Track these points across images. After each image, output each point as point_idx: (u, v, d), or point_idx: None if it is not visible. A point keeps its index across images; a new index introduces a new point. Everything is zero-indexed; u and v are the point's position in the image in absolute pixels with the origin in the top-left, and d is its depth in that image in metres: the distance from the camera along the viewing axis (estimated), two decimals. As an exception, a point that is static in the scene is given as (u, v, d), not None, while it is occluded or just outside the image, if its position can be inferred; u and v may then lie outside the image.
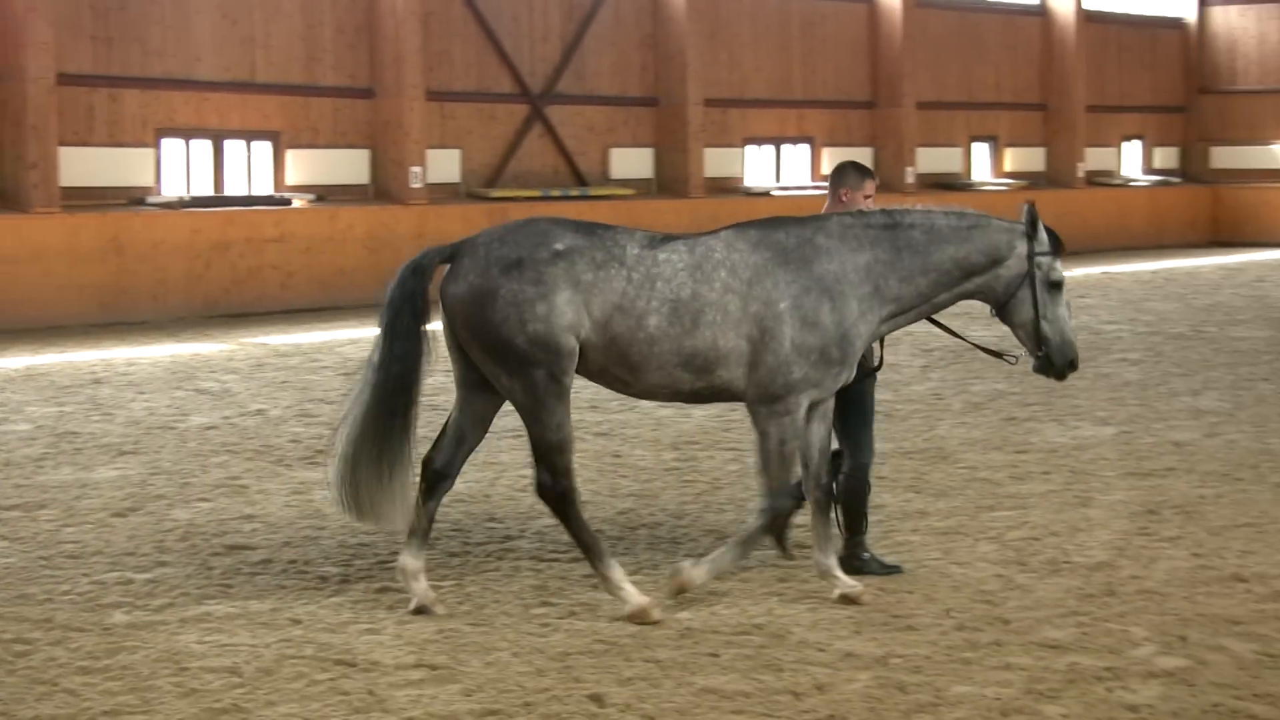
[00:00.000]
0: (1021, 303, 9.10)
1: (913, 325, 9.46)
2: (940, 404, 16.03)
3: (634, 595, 8.64)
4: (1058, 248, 9.19)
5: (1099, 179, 40.33)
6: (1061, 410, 15.53)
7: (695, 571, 8.84)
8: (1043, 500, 11.59)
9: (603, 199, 30.28)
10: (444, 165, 28.77)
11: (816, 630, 8.43)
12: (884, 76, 35.55)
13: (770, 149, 34.21)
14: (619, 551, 10.07)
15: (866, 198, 9.71)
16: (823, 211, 9.44)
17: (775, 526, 9.18)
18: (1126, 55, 42.27)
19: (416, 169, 27.79)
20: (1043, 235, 9.12)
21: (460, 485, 12.19)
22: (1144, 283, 30.52)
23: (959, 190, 36.47)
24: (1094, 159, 40.54)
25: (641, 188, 31.54)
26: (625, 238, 8.78)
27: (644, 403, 16.04)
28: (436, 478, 9.03)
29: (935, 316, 9.39)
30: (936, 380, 17.61)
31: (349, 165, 28.00)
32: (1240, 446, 13.59)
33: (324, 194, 27.27)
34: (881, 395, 15.98)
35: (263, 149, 27.15)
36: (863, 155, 35.29)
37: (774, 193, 33.11)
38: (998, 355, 9.67)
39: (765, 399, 8.74)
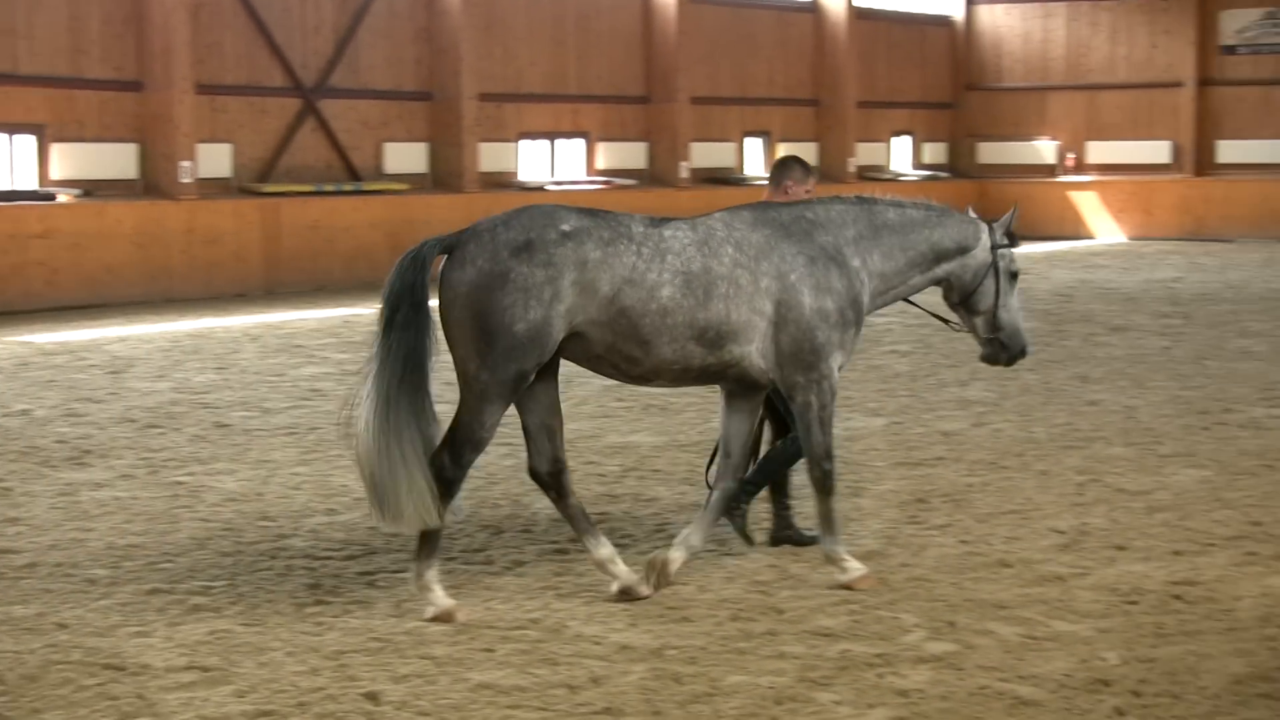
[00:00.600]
0: (986, 291, 9.54)
1: None
2: (715, 396, 16.09)
3: (440, 598, 8.57)
4: (1014, 241, 9.66)
5: (870, 173, 40.94)
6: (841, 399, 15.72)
7: (845, 563, 9.07)
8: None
9: (376, 194, 30.06)
10: (215, 160, 28.32)
11: (592, 624, 8.46)
12: (658, 71, 35.75)
13: (545, 144, 34.22)
14: (393, 548, 10.01)
15: (807, 192, 10.02)
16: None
17: (827, 488, 9.21)
18: (896, 52, 43.03)
19: (186, 163, 27.32)
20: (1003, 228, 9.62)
21: (232, 484, 12.05)
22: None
23: (732, 185, 36.82)
24: (865, 154, 41.20)
25: (416, 182, 31.36)
26: (627, 218, 8.85)
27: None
28: (553, 479, 8.97)
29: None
30: (711, 373, 17.73)
31: (117, 159, 27.42)
32: (1006, 435, 13.90)
33: (91, 189, 26.67)
34: (656, 389, 16.11)
35: (26, 143, 26.48)
36: (637, 150, 35.49)
37: (549, 187, 33.12)
38: (946, 321, 10.01)
39: (800, 368, 8.97)
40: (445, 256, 8.67)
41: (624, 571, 8.92)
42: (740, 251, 8.88)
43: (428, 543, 8.63)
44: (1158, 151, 42.42)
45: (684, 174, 35.63)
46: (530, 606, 8.77)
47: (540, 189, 32.83)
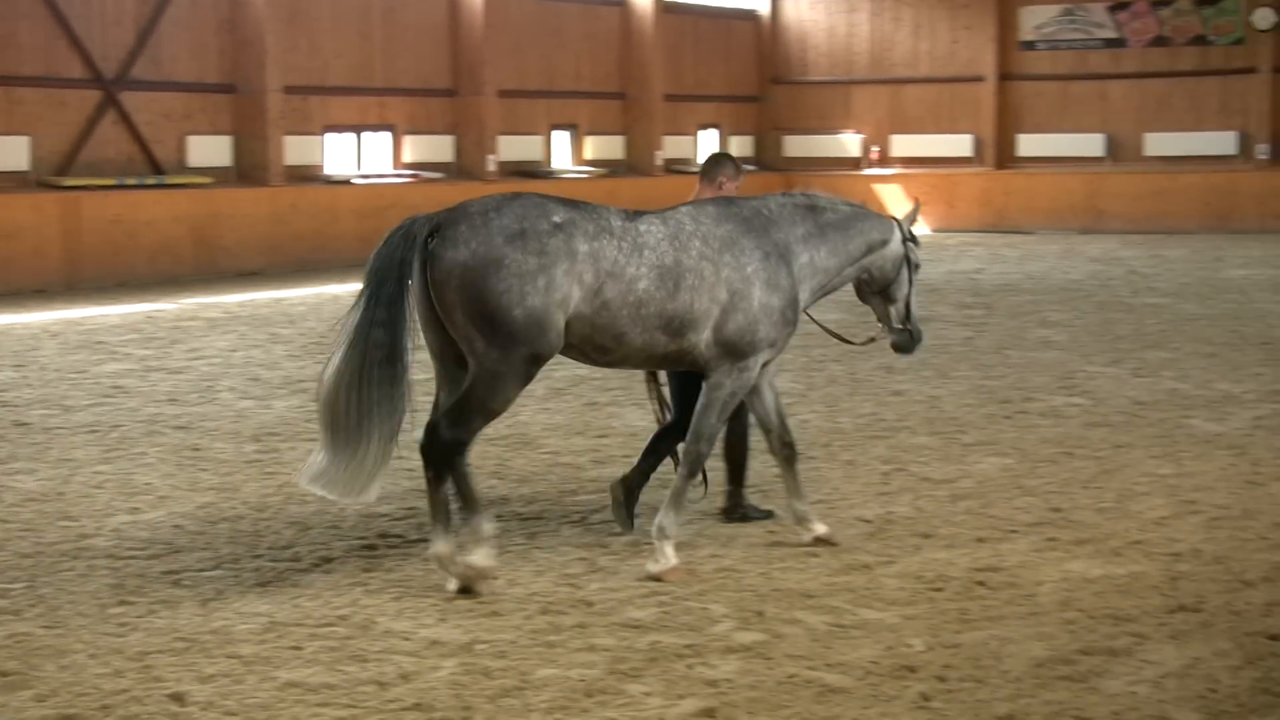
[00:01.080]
0: (902, 281, 10.31)
1: None
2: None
3: (487, 557, 8.86)
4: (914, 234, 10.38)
5: (677, 167, 41.13)
6: (641, 395, 15.80)
7: (664, 550, 9.21)
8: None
9: (179, 188, 29.58)
10: (11, 153, 27.69)
11: (401, 619, 8.42)
12: (465, 65, 35.62)
13: (351, 137, 33.93)
14: (198, 546, 9.88)
15: (736, 188, 10.57)
16: (696, 198, 10.27)
17: (696, 469, 9.51)
18: (703, 46, 43.25)
19: (-18, 156, 26.71)
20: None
21: (32, 483, 11.80)
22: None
23: (540, 178, 36.79)
24: (672, 147, 41.36)
25: (220, 176, 30.90)
26: (606, 211, 9.15)
27: (225, 395, 15.78)
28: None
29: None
30: (521, 367, 17.70)
31: (-92, 152, 26.74)
32: (813, 426, 14.05)
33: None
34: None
35: None
36: (444, 143, 35.32)
37: (355, 181, 32.86)
38: (848, 340, 10.88)
39: (732, 354, 9.34)
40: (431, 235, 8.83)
41: (461, 569, 8.88)
42: (706, 244, 9.29)
43: (443, 518, 8.89)
44: (960, 145, 43.12)
45: (491, 167, 35.53)
46: (338, 603, 8.70)
47: (346, 183, 32.57)
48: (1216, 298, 24.28)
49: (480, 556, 8.88)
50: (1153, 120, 41.39)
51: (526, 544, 10.00)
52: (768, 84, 45.02)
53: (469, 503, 9.02)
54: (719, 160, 10.78)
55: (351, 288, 24.69)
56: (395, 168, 34.43)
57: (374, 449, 8.74)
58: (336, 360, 8.78)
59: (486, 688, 7.35)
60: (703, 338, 9.27)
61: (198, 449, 13.23)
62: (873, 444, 13.22)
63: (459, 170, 35.43)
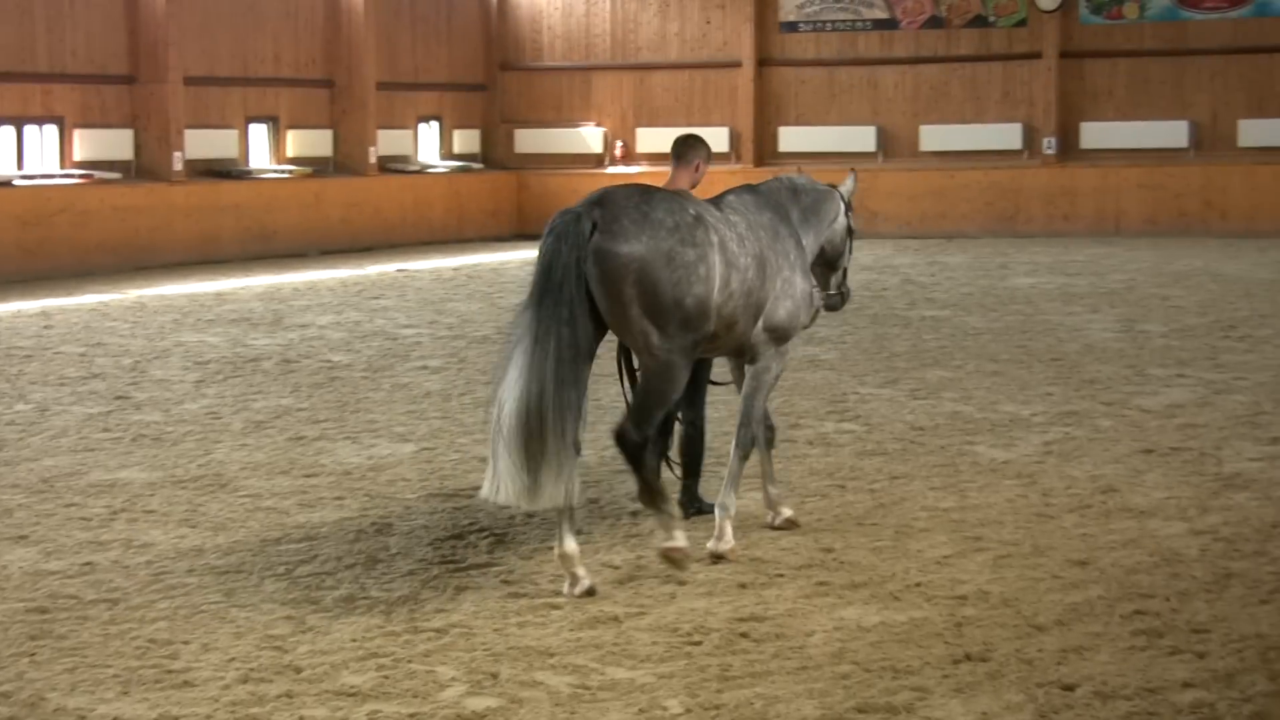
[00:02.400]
0: (845, 249, 12.02)
1: (192, 336, 9.76)
2: (218, 424, 15.97)
3: (681, 538, 10.25)
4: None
5: (393, 165, 40.92)
6: (355, 426, 15.74)
7: (725, 532, 10.82)
8: (336, 529, 11.72)
9: None
10: None
11: (78, 694, 8.26)
12: (145, 47, 35.06)
13: (9, 131, 33.19)
14: None
15: (707, 171, 11.80)
16: (673, 184, 11.39)
17: (750, 449, 11.25)
18: (422, 26, 42.96)
19: None
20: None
21: None
22: (445, 281, 31.23)
23: (236, 178, 36.43)
24: (387, 143, 41.03)
25: None
26: (700, 202, 10.53)
27: None
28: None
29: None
30: (213, 397, 17.53)
31: None
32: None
33: None
34: (149, 417, 15.88)
35: None
36: (122, 139, 34.72)
37: (16, 183, 32.13)
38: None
39: (778, 339, 10.97)
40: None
41: (584, 572, 10.08)
42: (765, 233, 10.87)
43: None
44: (715, 138, 43.38)
45: (178, 165, 35.03)
46: (1, 677, 8.51)
47: (8, 184, 31.85)
48: (1001, 309, 24.88)
49: (679, 539, 10.28)
50: (928, 111, 42.22)
51: (223, 602, 9.89)
52: (496, 70, 44.90)
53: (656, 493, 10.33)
54: (693, 143, 11.79)
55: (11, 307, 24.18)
56: (64, 167, 33.77)
57: (567, 449, 9.74)
58: (520, 363, 9.71)
59: (177, 770, 7.25)
60: (760, 323, 10.80)
61: None
62: (620, 480, 13.29)
63: (139, 170, 34.88)
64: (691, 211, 10.16)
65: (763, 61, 43.37)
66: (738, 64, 43.38)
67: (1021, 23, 41.73)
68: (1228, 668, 8.52)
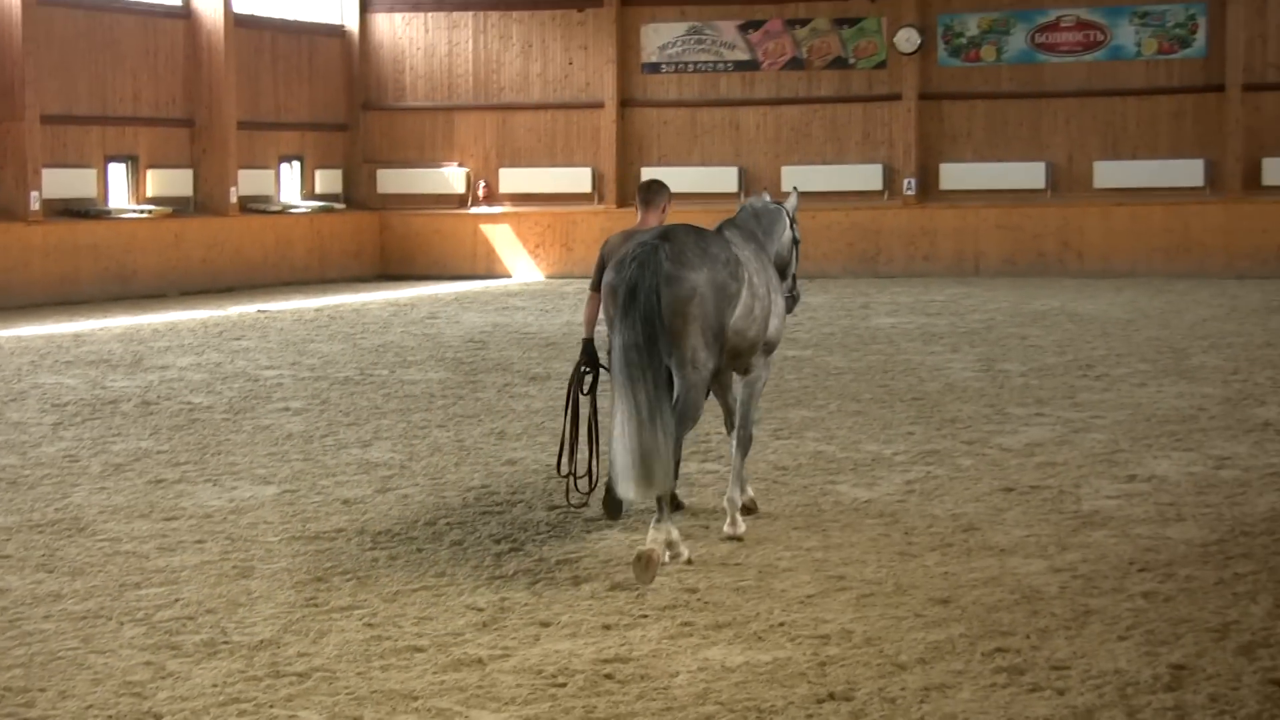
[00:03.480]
0: (792, 260, 13.51)
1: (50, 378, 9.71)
2: (76, 467, 15.78)
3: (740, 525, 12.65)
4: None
5: (254, 205, 40.69)
6: (217, 469, 15.61)
7: (737, 520, 12.63)
8: (197, 573, 11.60)
9: None
10: None
11: (-70, 742, 8.12)
12: (1, 86, 34.70)
13: None
14: None
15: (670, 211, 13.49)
16: (643, 224, 13.08)
17: (749, 446, 13.08)
18: (283, 65, 42.78)
19: None
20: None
21: None
22: (307, 322, 31.06)
23: (94, 218, 36.10)
24: (249, 182, 40.79)
25: None
26: (728, 242, 12.29)
27: None
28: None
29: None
30: (70, 439, 17.33)
31: None
32: (415, 502, 14.03)
33: None
34: (5, 460, 15.70)
35: None
36: (-22, 177, 34.35)
37: None
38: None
39: (766, 351, 12.69)
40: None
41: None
42: (760, 263, 12.52)
43: (666, 505, 11.57)
44: (578, 179, 43.59)
45: (35, 205, 34.68)
46: None
47: None
48: (863, 349, 25.06)
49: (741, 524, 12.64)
50: (790, 151, 42.57)
51: (81, 648, 9.76)
52: (358, 110, 44.77)
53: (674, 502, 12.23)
54: (657, 187, 13.39)
55: None
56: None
57: (670, 450, 11.39)
58: (627, 379, 11.30)
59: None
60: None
61: None
62: (484, 521, 13.26)
63: (-6, 209, 34.49)
64: (733, 251, 12.02)
65: (625, 102, 43.51)
66: (600, 104, 43.50)
67: (881, 64, 42.18)
68: (1087, 704, 8.60)
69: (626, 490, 11.34)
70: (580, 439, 13.34)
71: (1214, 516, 13.11)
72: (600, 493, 13.37)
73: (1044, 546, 12.17)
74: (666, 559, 11.51)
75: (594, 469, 13.45)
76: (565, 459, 13.30)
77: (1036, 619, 10.24)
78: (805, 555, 12.03)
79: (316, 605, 10.72)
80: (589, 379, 13.25)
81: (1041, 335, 26.64)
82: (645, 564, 11.14)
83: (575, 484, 13.35)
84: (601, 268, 13.27)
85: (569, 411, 13.27)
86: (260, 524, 13.24)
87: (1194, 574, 11.29)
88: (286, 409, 19.40)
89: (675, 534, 11.69)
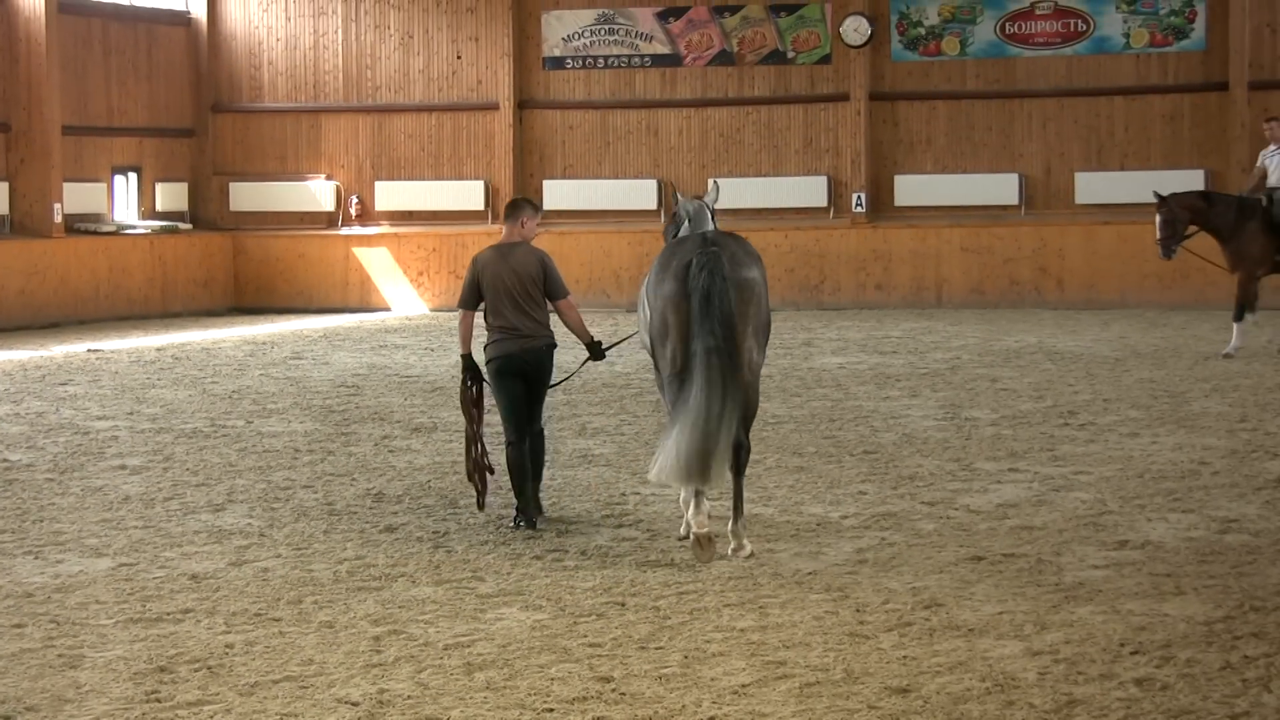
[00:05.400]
0: None
1: None
2: None
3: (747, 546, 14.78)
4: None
5: (83, 225, 40.39)
6: (39, 539, 15.51)
7: (739, 528, 14.76)
8: (14, 663, 11.53)
9: None
10: None
11: None
12: None
13: None
14: None
15: (536, 224, 16.91)
16: (509, 239, 16.48)
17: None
18: (117, 60, 42.44)
19: None
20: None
21: None
22: (147, 363, 30.89)
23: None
24: (75, 198, 40.40)
25: None
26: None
27: None
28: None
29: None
30: None
31: None
32: (277, 576, 13.99)
33: None
34: None
35: None
36: None
37: None
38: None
39: (764, 341, 14.94)
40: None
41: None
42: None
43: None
44: (469, 195, 43.36)
45: None
46: None
47: None
48: (806, 394, 25.10)
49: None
50: (719, 162, 42.51)
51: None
52: (207, 112, 44.52)
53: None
54: (519, 203, 16.79)
55: None
56: None
57: (729, 444, 14.08)
58: (701, 378, 13.88)
59: None
60: None
61: None
62: (359, 599, 13.23)
63: None
64: (755, 250, 14.81)
65: (523, 103, 43.46)
66: (494, 106, 43.43)
67: (825, 59, 42.24)
68: (1072, 811, 8.64)
69: (675, 477, 13.99)
70: (481, 447, 16.08)
71: (1218, 589, 13.20)
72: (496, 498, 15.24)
73: (1020, 625, 12.22)
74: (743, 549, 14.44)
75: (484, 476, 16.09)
76: (472, 466, 16.15)
77: (1011, 711, 10.28)
78: (739, 637, 12.04)
79: (159, 701, 10.67)
80: (474, 391, 16.22)
81: (1015, 377, 26.75)
82: (703, 545, 14.12)
83: (483, 488, 16.20)
84: (474, 285, 16.25)
85: (472, 426, 16.13)
86: (91, 604, 13.16)
87: (1195, 657, 11.35)
88: (123, 467, 19.29)
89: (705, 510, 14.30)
